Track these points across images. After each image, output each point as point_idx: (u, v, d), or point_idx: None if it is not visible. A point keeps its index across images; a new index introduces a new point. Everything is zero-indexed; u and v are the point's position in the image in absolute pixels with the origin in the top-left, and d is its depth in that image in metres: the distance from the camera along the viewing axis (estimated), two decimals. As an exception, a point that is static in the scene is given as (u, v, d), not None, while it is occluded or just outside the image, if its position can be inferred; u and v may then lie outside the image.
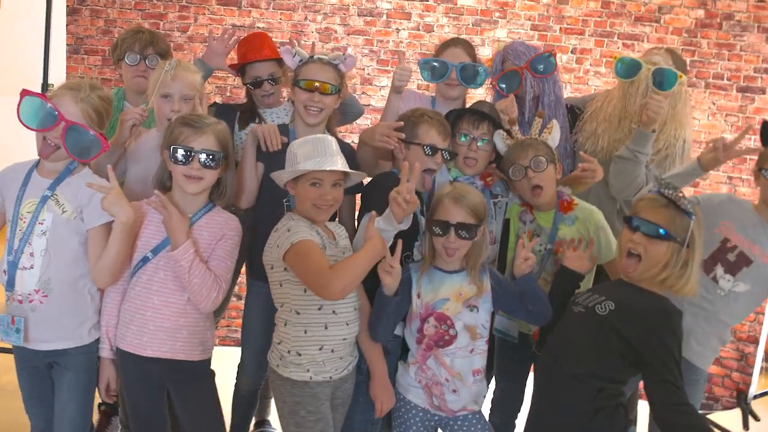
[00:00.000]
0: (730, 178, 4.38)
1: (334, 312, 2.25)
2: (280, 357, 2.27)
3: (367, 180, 2.59)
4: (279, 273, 2.24)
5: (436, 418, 2.40)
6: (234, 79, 4.33)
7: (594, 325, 2.15)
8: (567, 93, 3.87)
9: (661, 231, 2.15)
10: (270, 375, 2.35)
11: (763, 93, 4.32)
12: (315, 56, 2.67)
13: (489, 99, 3.17)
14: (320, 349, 2.24)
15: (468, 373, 2.34)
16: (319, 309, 2.23)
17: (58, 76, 4.18)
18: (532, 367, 2.76)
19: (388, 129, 2.57)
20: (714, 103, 4.38)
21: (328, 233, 2.31)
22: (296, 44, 2.74)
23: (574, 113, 3.09)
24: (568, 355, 2.17)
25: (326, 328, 2.24)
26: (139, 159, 2.64)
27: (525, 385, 2.81)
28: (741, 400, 4.07)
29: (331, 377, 2.27)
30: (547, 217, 2.65)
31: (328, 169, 2.21)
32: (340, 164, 2.25)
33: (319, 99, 2.62)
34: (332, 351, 2.26)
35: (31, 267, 2.21)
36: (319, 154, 2.23)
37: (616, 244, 2.51)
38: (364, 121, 4.04)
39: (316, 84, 2.61)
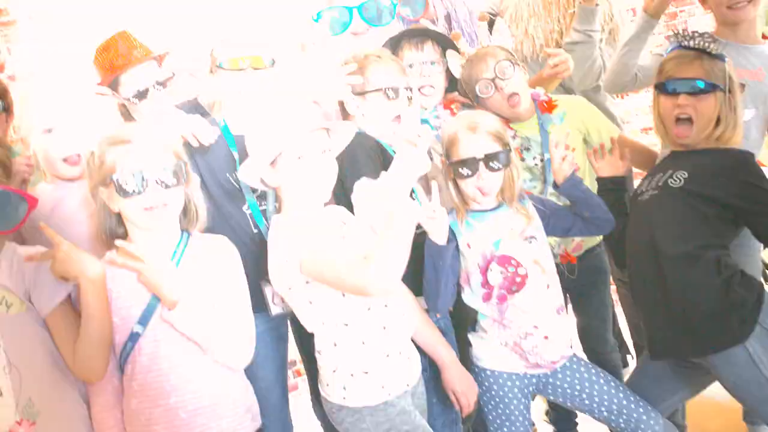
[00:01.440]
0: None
1: (386, 306, 1.79)
2: (343, 386, 1.77)
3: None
4: (302, 290, 1.74)
5: (534, 380, 2.02)
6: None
7: (675, 199, 1.94)
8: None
9: (701, 85, 1.97)
10: (334, 415, 1.83)
11: None
12: None
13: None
14: (388, 356, 1.79)
15: (552, 311, 1.98)
16: (369, 309, 1.77)
17: None
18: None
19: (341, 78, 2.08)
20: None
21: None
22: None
23: (490, 20, 2.82)
24: (668, 240, 1.92)
25: (385, 329, 1.79)
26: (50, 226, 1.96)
27: None
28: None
29: (408, 384, 1.83)
30: (529, 125, 2.38)
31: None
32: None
33: None
34: (400, 353, 1.81)
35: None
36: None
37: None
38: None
39: None
